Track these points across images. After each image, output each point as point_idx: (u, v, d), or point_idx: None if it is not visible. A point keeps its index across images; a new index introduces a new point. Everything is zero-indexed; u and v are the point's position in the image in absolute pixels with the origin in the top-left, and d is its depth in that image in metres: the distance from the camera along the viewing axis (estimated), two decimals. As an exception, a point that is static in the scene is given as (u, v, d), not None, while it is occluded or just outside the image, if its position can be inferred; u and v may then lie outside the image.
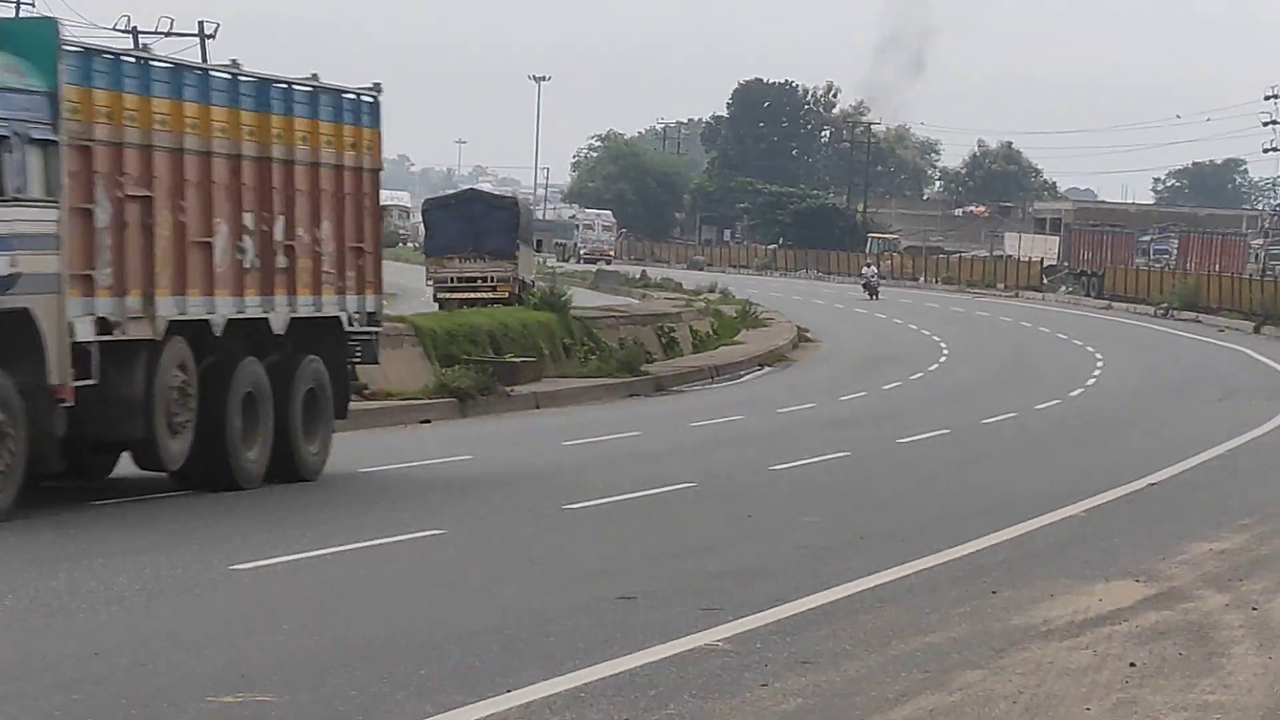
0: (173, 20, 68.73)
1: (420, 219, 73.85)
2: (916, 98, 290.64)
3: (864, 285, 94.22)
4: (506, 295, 54.37)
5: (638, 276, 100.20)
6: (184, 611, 13.17)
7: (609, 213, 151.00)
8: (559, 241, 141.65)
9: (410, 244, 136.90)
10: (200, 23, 69.54)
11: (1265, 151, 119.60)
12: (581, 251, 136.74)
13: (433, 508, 19.41)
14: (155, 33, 67.79)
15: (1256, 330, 71.65)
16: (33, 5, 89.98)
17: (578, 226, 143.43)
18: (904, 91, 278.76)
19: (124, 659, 11.39)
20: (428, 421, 32.09)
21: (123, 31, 67.01)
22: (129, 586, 13.89)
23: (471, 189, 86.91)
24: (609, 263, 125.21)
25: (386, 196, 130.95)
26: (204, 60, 68.24)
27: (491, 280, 55.87)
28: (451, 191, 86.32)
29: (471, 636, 12.28)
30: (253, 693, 10.50)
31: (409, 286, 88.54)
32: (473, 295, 54.06)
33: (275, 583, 14.41)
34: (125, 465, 22.89)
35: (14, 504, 16.90)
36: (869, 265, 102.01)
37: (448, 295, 55.04)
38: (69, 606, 13.10)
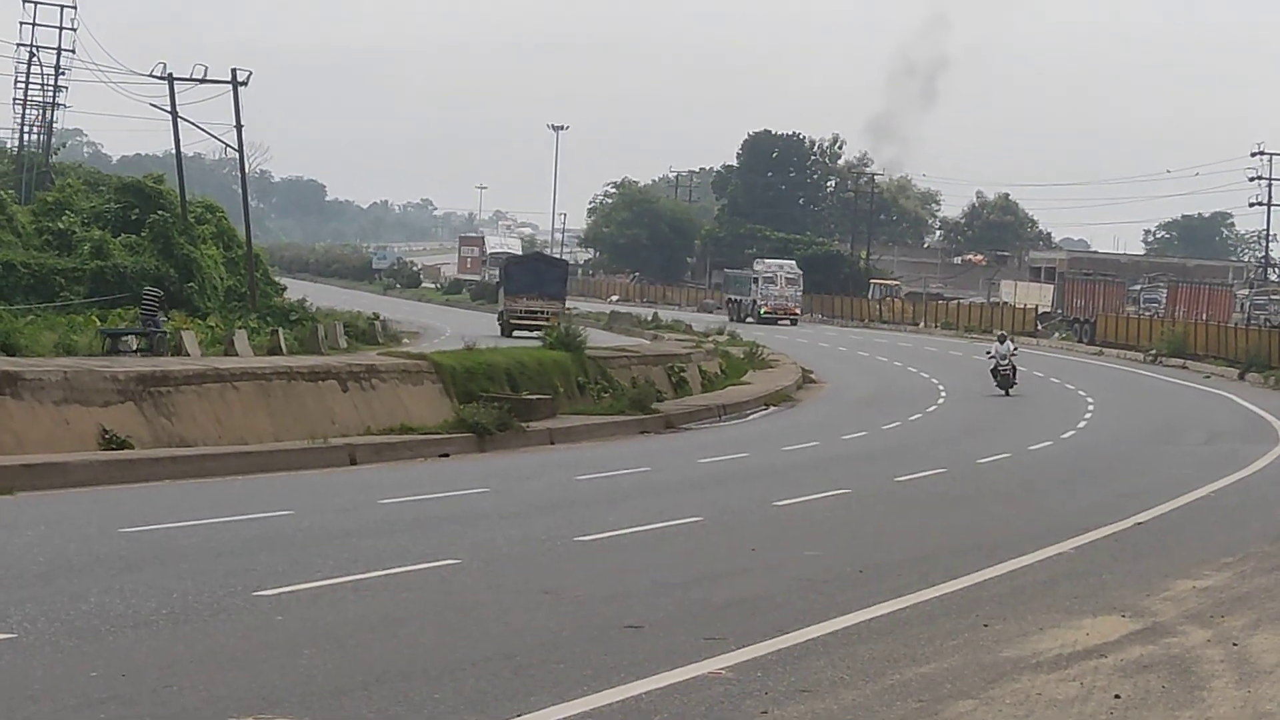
0: (207, 68, 69.38)
1: (499, 269, 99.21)
2: (926, 132, 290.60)
3: (993, 372, 57.42)
4: (555, 325, 66.99)
5: (650, 318, 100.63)
6: (209, 635, 13.23)
7: (792, 262, 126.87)
8: (731, 298, 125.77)
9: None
10: (233, 70, 70.07)
11: (1251, 205, 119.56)
12: (761, 310, 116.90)
13: (449, 538, 19.48)
14: (189, 79, 68.35)
15: (1241, 377, 71.89)
16: (72, 52, 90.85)
17: (756, 280, 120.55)
18: (915, 124, 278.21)
19: (150, 680, 11.52)
20: (446, 455, 32.45)
21: (159, 78, 67.92)
22: (156, 611, 14.00)
23: (537, 253, 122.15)
24: (794, 323, 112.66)
25: (496, 244, 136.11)
26: (236, 107, 69.02)
27: (546, 314, 78.06)
28: (526, 253, 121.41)
29: (484, 662, 12.44)
30: (273, 714, 10.68)
31: (431, 325, 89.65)
32: (533, 322, 77.80)
33: (297, 609, 14.46)
34: (154, 499, 23.42)
35: None
36: (1001, 338, 59.35)
37: (518, 321, 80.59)
38: (98, 629, 13.20)
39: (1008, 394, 56.40)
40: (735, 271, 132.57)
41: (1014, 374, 57.54)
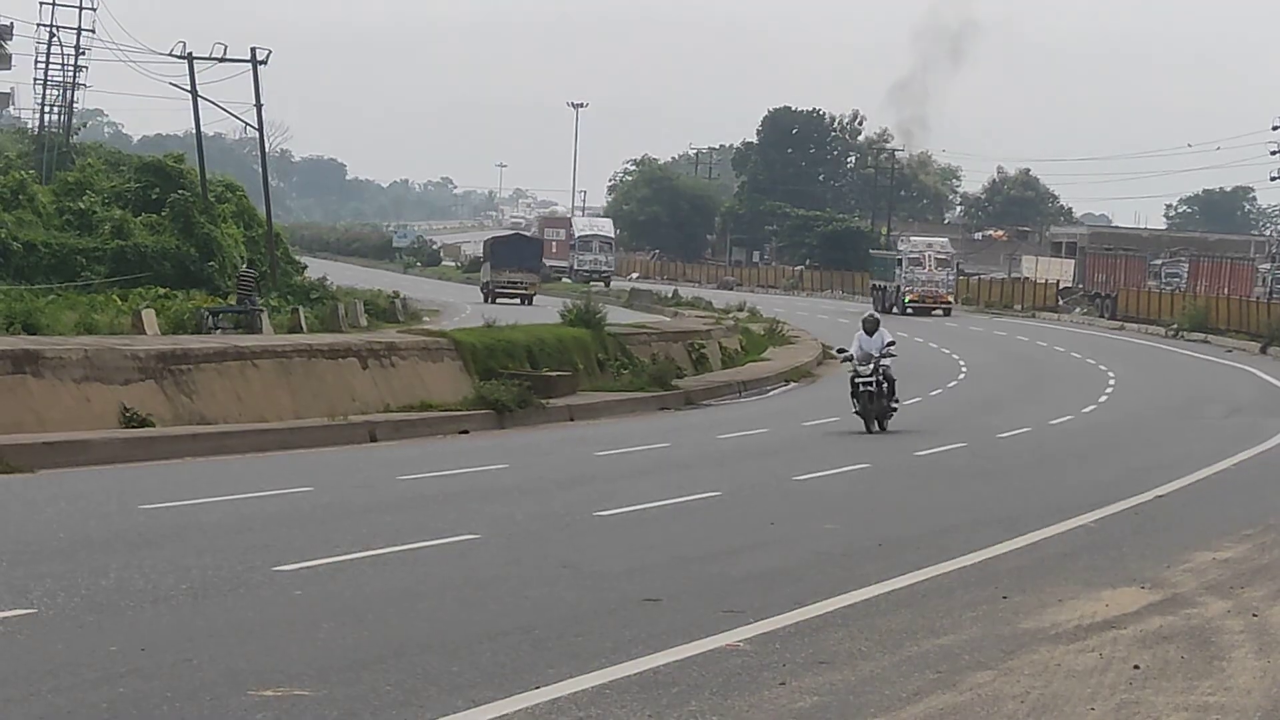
0: (226, 46, 69.41)
1: (484, 246, 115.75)
2: (949, 99, 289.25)
3: (853, 386, 33.67)
4: (532, 293, 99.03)
5: (670, 295, 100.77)
6: (228, 610, 13.27)
7: (944, 240, 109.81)
8: (876, 285, 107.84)
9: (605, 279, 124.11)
10: (253, 49, 70.07)
11: (1273, 179, 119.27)
12: (906, 298, 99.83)
13: (468, 513, 19.49)
14: (209, 58, 68.42)
15: (1263, 351, 71.64)
16: (92, 32, 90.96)
17: (900, 262, 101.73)
18: (941, 84, 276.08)
19: (169, 654, 11.55)
20: (466, 432, 32.52)
21: (179, 57, 67.97)
22: (176, 586, 14.04)
23: (517, 233, 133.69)
24: (947, 313, 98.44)
25: (584, 225, 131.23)
26: (256, 85, 69.18)
27: (524, 284, 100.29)
28: (508, 232, 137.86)
29: (503, 635, 12.46)
30: (292, 687, 10.70)
31: (452, 303, 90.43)
32: (513, 291, 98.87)
33: (316, 584, 14.49)
34: (174, 477, 23.48)
35: None
36: (869, 325, 34.56)
37: (500, 290, 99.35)
38: (118, 605, 13.25)
39: (876, 430, 32.85)
40: (880, 253, 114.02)
41: (889, 391, 33.31)
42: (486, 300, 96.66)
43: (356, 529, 17.80)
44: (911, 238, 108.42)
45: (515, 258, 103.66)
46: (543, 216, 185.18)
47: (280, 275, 73.12)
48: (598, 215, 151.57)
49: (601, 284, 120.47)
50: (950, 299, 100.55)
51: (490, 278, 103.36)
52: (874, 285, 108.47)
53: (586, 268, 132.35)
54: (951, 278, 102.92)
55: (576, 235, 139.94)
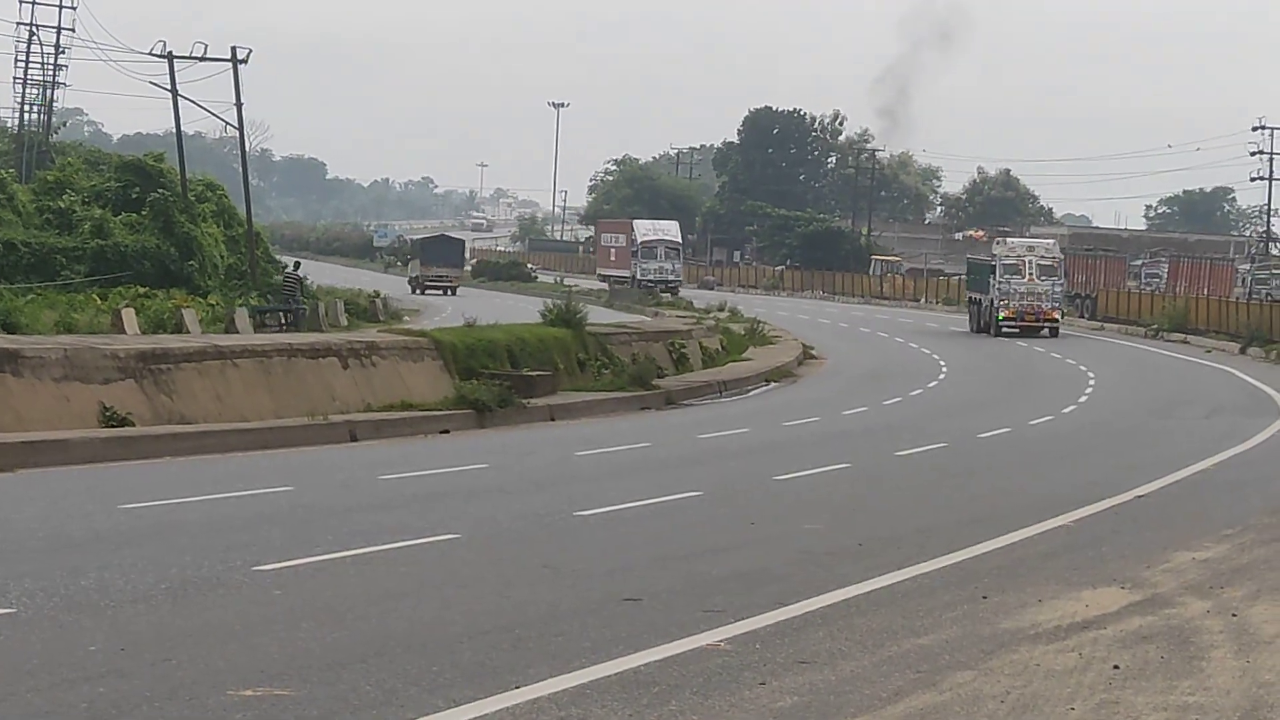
0: (206, 46, 69.21)
1: (414, 245, 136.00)
2: (936, 84, 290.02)
3: None
4: (455, 285, 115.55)
5: (650, 295, 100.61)
6: (208, 610, 13.25)
7: (1050, 242, 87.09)
8: (972, 297, 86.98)
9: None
10: (233, 48, 69.83)
11: (1252, 180, 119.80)
12: (1000, 314, 79.36)
13: (449, 513, 19.45)
14: (189, 57, 68.27)
15: (1242, 351, 71.71)
16: (73, 31, 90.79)
17: (993, 270, 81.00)
18: (930, 69, 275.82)
19: (149, 654, 11.55)
20: (446, 432, 32.47)
21: (159, 56, 67.83)
22: (155, 586, 14.02)
23: (442, 234, 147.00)
24: (1055, 332, 78.70)
25: (647, 229, 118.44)
26: (236, 85, 69.07)
27: (449, 278, 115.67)
28: (434, 234, 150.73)
29: (483, 635, 12.47)
30: (271, 687, 10.69)
31: (432, 303, 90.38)
32: (439, 284, 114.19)
33: (296, 583, 14.49)
34: (154, 476, 23.45)
35: None
36: None
37: (429, 284, 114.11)
38: (98, 604, 13.23)
39: None
40: (976, 259, 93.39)
41: None
42: (414, 292, 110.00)
43: (337, 529, 17.79)
44: (1008, 239, 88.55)
45: (441, 256, 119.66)
46: (600, 221, 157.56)
47: (261, 275, 72.97)
48: (660, 220, 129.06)
49: (669, 294, 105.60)
50: (1058, 315, 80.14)
51: (420, 272, 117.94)
52: (970, 298, 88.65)
53: (651, 276, 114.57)
54: (1058, 288, 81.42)
55: (639, 241, 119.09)
